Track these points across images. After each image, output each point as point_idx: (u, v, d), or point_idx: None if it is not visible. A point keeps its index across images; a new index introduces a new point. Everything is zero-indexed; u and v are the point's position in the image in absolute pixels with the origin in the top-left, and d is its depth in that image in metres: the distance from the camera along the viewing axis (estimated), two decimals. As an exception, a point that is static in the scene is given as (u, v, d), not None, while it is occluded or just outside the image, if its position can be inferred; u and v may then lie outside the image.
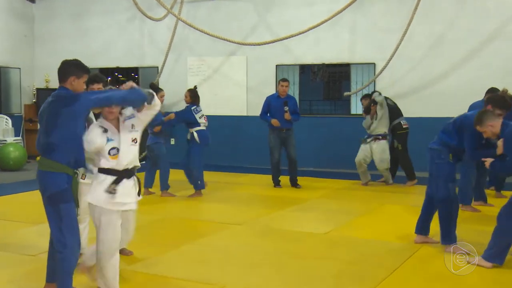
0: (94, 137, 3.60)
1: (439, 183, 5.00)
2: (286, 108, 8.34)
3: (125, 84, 3.72)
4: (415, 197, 8.06)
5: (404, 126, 8.64)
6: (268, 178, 9.05)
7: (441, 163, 4.98)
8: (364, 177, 8.77)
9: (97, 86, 4.56)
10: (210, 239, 5.62)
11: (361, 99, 9.00)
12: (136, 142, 3.73)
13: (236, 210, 7.01)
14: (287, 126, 8.42)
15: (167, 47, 11.30)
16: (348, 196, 8.02)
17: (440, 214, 5.04)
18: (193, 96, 7.81)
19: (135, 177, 3.76)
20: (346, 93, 10.35)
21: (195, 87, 7.99)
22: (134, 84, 3.76)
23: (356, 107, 10.64)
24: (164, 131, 7.76)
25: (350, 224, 6.23)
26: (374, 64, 10.28)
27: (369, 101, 8.64)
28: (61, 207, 3.50)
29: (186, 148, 7.93)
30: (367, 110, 8.63)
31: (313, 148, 10.17)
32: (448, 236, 5.00)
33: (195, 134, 7.65)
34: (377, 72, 9.99)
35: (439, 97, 9.80)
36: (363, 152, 8.63)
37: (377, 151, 8.51)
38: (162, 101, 8.00)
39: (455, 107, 9.53)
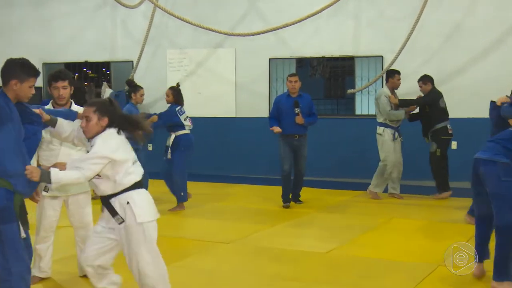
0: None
1: (505, 206, 4.57)
2: (297, 110, 7.95)
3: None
4: (429, 210, 8.10)
5: (450, 131, 8.60)
6: (260, 189, 9.06)
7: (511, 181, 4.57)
8: (383, 185, 8.79)
9: (61, 84, 4.57)
10: (193, 260, 5.62)
11: (419, 81, 8.79)
12: None
13: (223, 226, 7.02)
14: (300, 132, 8.06)
15: (143, 38, 11.30)
16: (352, 209, 8.05)
17: (500, 243, 4.61)
18: (176, 95, 7.85)
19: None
20: (349, 91, 10.38)
21: (178, 85, 8.02)
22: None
23: (361, 106, 10.69)
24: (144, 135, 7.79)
25: (354, 242, 6.25)
26: (381, 57, 10.34)
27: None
28: (1, 228, 3.44)
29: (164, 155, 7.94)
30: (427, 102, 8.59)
31: (311, 154, 10.14)
32: (505, 272, 4.58)
33: (178, 139, 7.69)
34: (385, 66, 10.03)
35: (457, 95, 9.82)
36: (397, 151, 8.67)
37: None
38: (141, 101, 8.06)
39: (475, 106, 9.61)
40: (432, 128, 8.64)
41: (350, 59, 10.69)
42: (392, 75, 8.81)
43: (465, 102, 9.75)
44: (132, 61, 11.73)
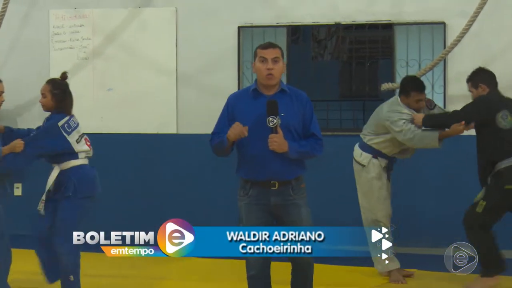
0: None
1: None
2: (274, 121, 6.65)
3: None
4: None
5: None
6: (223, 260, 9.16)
7: None
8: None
9: None
10: None
11: (468, 81, 8.78)
12: None
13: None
14: (282, 175, 6.75)
15: (6, -11, 11.40)
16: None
17: None
18: (61, 95, 7.91)
19: None
20: (385, 85, 10.49)
21: (65, 76, 8.07)
22: None
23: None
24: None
25: None
26: (443, 24, 10.56)
27: None
28: None
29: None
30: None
31: (320, 202, 10.23)
32: None
33: (67, 176, 7.79)
34: (450, 41, 10.22)
35: None
36: (387, 197, 9.08)
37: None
38: (0, 102, 8.09)
39: None
40: (493, 168, 8.54)
41: (387, 28, 10.92)
42: (407, 92, 8.91)
43: None
44: (-15, 31, 11.84)
